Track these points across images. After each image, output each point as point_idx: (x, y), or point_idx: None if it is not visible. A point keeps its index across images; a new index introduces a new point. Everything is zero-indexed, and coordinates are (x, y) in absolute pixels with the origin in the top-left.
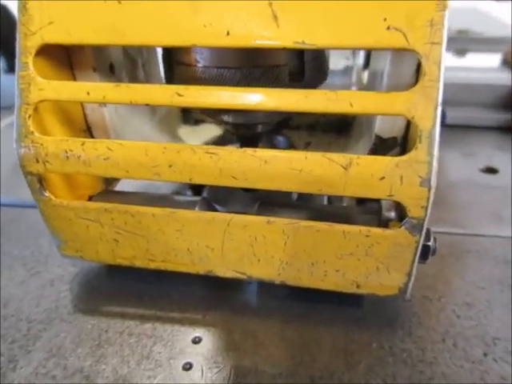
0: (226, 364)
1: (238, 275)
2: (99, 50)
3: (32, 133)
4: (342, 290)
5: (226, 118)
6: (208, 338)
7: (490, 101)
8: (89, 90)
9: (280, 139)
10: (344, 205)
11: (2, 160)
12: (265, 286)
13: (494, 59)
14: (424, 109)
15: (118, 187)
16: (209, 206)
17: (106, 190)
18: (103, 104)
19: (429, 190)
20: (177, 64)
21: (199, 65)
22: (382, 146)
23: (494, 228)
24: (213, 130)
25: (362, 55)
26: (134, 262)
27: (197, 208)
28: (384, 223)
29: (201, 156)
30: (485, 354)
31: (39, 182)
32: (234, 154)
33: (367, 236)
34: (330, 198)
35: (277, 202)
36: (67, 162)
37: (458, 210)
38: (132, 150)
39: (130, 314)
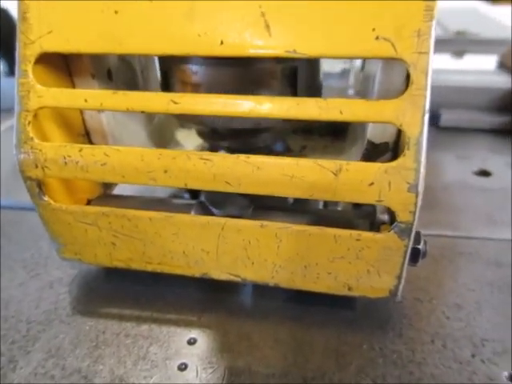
0: (221, 364)
1: (233, 278)
2: (97, 58)
3: (31, 139)
4: (334, 292)
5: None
6: (203, 340)
7: (484, 104)
8: (86, 97)
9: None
10: (339, 208)
11: (1, 163)
12: (259, 289)
13: (491, 61)
14: (412, 116)
15: (116, 191)
16: (204, 209)
17: (104, 193)
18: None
19: (416, 196)
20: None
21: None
22: (373, 151)
23: (487, 230)
24: None
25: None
26: (130, 265)
27: (192, 212)
28: (377, 226)
29: (195, 162)
30: (473, 355)
31: (38, 187)
32: (227, 160)
33: (358, 240)
34: (325, 202)
35: (271, 206)
36: (65, 167)
37: (451, 212)
38: (128, 155)
39: (127, 315)
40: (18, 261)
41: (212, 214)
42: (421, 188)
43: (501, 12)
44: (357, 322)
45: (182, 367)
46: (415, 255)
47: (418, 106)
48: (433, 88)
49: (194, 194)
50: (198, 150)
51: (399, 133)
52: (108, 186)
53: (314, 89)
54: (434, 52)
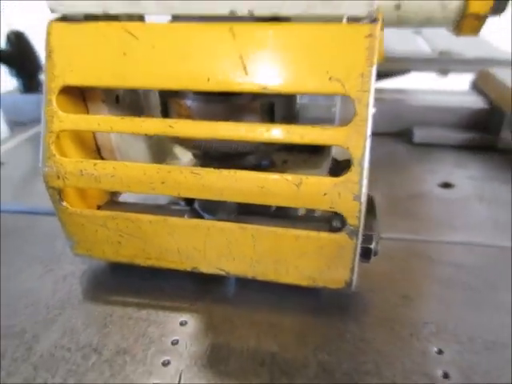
0: (206, 341)
1: (218, 271)
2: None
3: (54, 155)
4: (301, 283)
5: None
6: (192, 322)
7: (454, 122)
8: (99, 121)
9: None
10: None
11: (15, 172)
12: (241, 281)
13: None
14: (356, 141)
15: (122, 198)
16: (196, 214)
17: (112, 200)
18: None
19: (360, 204)
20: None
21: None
22: (337, 167)
23: (445, 235)
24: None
25: None
26: (133, 260)
27: (186, 216)
28: (338, 228)
29: (186, 175)
30: (411, 335)
31: (59, 195)
32: (212, 174)
33: (317, 239)
34: (307, 208)
35: (254, 212)
36: (82, 178)
37: (414, 219)
38: (133, 169)
39: (130, 302)
40: (36, 258)
41: (202, 218)
42: (363, 199)
43: (489, 30)
44: (320, 308)
45: (175, 342)
46: (367, 253)
47: (361, 133)
48: (408, 107)
49: (189, 201)
50: (191, 163)
51: None
52: (115, 193)
53: (289, 118)
54: (421, 70)
